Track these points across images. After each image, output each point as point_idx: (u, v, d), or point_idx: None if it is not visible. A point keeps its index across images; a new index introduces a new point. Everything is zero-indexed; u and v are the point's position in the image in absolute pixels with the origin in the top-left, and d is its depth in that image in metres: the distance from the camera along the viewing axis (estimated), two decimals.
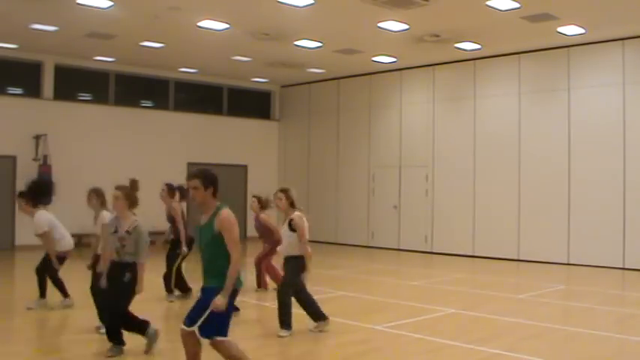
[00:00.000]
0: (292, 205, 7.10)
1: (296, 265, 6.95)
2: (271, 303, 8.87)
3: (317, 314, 7.01)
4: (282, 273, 9.50)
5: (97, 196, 7.11)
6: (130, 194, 6.05)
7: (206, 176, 4.74)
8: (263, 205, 9.86)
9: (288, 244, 7.01)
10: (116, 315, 5.93)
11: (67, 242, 8.01)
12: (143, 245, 5.88)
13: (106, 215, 6.81)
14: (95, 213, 7.12)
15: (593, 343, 6.88)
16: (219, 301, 4.47)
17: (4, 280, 11.34)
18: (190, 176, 4.76)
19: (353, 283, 10.56)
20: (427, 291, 10.43)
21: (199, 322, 4.54)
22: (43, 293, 7.98)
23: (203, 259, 4.71)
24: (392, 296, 9.71)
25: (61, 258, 7.94)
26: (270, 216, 10.14)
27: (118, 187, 6.09)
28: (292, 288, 6.94)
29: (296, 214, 7.04)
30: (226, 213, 4.65)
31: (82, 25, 12.50)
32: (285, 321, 6.81)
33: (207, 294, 4.58)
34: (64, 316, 7.85)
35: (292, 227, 6.96)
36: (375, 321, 7.63)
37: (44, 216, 7.84)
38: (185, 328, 4.61)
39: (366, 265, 13.73)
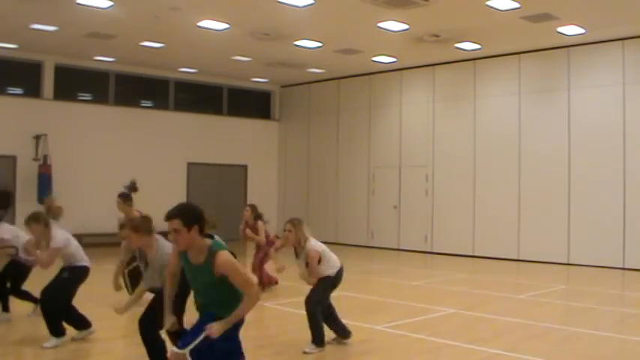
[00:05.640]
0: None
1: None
2: (271, 303, 8.88)
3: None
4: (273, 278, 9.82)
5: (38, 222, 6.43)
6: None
7: (187, 214, 4.12)
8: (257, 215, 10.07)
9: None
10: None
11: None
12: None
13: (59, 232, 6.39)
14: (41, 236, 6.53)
15: (594, 343, 6.88)
16: (215, 328, 4.01)
17: None
18: (168, 216, 4.10)
19: (353, 283, 10.52)
20: (427, 291, 10.43)
21: (191, 346, 4.08)
22: (5, 306, 7.49)
23: (201, 300, 4.27)
24: (392, 296, 9.71)
25: (28, 267, 7.35)
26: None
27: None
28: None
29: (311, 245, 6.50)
30: (224, 256, 4.10)
31: (82, 25, 12.50)
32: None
33: (207, 319, 4.16)
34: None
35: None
36: (375, 321, 7.63)
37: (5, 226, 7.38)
38: (176, 350, 4.14)
39: (366, 265, 13.73)
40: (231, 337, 4.19)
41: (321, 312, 6.39)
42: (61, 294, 6.38)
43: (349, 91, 17.83)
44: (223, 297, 4.20)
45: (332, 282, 6.53)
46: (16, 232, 7.42)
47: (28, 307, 7.63)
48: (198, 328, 4.20)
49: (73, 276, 6.46)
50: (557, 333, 7.25)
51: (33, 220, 6.46)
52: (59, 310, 6.35)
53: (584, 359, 6.26)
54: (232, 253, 4.23)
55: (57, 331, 6.27)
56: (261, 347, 6.48)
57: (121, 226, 6.11)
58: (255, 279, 4.18)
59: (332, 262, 6.57)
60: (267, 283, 9.85)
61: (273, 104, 19.99)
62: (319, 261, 6.44)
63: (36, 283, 7.08)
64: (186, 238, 4.10)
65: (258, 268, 9.94)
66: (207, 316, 4.20)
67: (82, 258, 6.54)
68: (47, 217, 6.56)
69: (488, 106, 14.91)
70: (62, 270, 6.50)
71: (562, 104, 13.69)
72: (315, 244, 6.49)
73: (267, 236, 10.11)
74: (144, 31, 12.97)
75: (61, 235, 6.44)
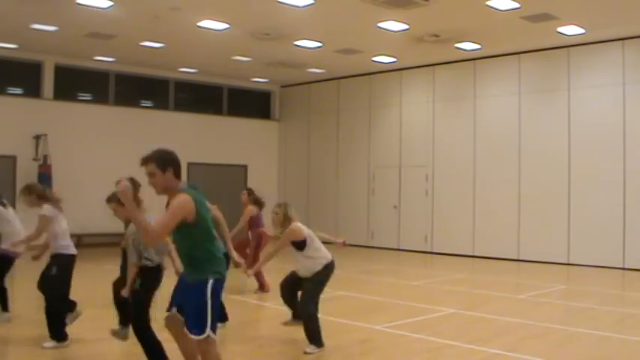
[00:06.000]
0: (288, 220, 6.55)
1: None
2: (271, 303, 8.88)
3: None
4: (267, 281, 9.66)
5: (29, 193, 6.49)
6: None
7: (161, 157, 4.13)
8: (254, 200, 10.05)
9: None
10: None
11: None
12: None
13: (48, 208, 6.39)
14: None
15: (594, 343, 6.88)
16: (124, 186, 3.93)
17: None
18: (143, 161, 4.10)
19: (353, 283, 10.56)
20: (427, 291, 10.43)
21: (209, 324, 4.00)
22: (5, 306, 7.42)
23: (179, 252, 4.24)
24: (392, 296, 9.70)
25: (10, 258, 7.21)
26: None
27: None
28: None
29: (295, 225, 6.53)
30: (177, 197, 3.97)
31: (82, 25, 12.50)
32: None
33: (198, 291, 4.03)
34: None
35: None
36: (375, 321, 7.63)
37: None
38: (196, 337, 4.03)
39: (366, 265, 13.73)
40: (203, 295, 4.04)
41: (316, 311, 6.35)
42: (58, 291, 6.35)
43: (349, 91, 17.83)
44: (187, 250, 4.11)
45: (322, 278, 6.43)
46: (5, 218, 7.28)
47: (28, 307, 7.62)
48: (196, 307, 4.02)
49: (60, 268, 6.34)
50: (557, 333, 7.25)
51: (23, 192, 6.47)
52: (63, 312, 6.35)
53: (584, 359, 6.26)
54: (228, 250, 4.26)
55: (59, 336, 6.26)
56: (261, 347, 6.49)
57: (108, 200, 6.14)
58: (164, 234, 4.05)
59: (322, 252, 6.50)
60: (267, 286, 9.67)
61: (273, 104, 20.00)
62: (305, 244, 6.36)
63: (33, 285, 7.08)
64: (161, 181, 4.07)
65: (252, 262, 9.74)
66: (196, 288, 4.08)
67: (67, 244, 6.42)
68: (40, 189, 6.54)
69: (488, 106, 14.90)
70: (49, 265, 6.38)
71: (562, 104, 13.68)
72: (300, 224, 6.46)
73: (259, 225, 9.87)
74: (144, 31, 12.96)
75: (51, 208, 6.39)
